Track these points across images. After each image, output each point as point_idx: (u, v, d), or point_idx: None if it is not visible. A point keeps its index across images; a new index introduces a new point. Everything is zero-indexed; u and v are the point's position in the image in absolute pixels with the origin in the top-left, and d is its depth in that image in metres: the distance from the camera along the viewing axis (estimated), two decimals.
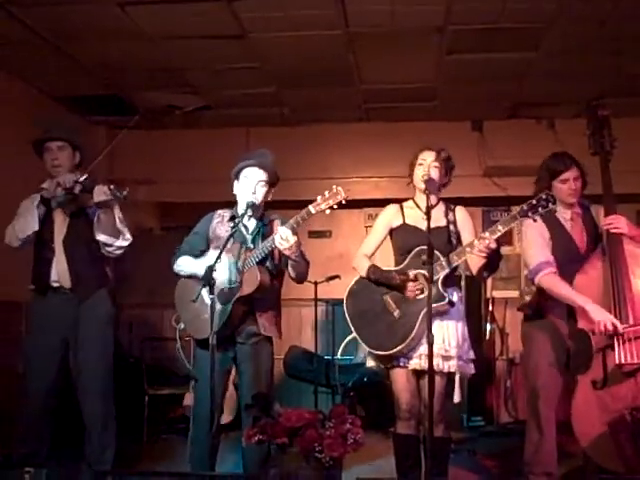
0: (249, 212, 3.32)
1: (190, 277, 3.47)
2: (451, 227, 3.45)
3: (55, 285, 3.64)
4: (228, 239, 3.25)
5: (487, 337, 6.37)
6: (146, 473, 3.74)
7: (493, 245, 3.13)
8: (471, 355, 3.42)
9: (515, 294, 6.41)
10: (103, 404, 3.66)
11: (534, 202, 3.05)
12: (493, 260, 3.27)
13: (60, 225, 3.67)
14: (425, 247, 3.10)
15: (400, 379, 3.39)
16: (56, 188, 3.59)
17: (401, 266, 3.40)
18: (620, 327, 3.09)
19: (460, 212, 3.52)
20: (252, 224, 3.49)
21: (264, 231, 3.45)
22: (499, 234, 3.12)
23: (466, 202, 3.62)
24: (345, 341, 5.91)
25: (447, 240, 3.41)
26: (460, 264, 3.33)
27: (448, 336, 3.33)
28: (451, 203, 3.55)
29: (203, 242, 3.55)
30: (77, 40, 4.65)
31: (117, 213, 3.67)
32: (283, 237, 3.17)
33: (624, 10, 4.18)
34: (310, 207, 3.15)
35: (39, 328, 3.65)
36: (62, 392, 3.70)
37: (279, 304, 3.54)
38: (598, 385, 3.13)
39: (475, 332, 4.87)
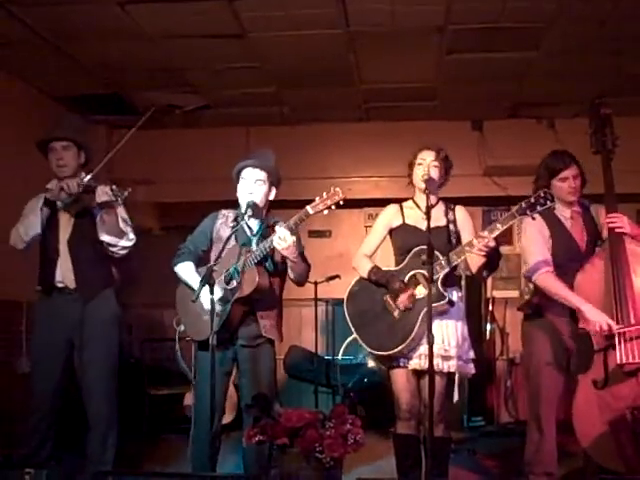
0: (249, 212, 3.31)
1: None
2: (451, 227, 3.46)
3: (60, 285, 3.64)
4: (228, 239, 3.25)
5: (487, 337, 6.37)
6: (147, 473, 3.74)
7: (492, 244, 3.13)
8: (471, 355, 3.42)
9: (515, 294, 6.41)
10: (107, 404, 3.66)
11: (532, 200, 3.06)
12: (493, 259, 3.27)
13: (65, 226, 3.67)
14: (425, 247, 3.11)
15: (400, 379, 3.39)
16: (59, 192, 3.59)
17: (401, 266, 3.40)
18: (615, 328, 3.10)
19: (460, 211, 3.52)
20: (255, 225, 3.49)
21: (265, 232, 3.44)
22: (498, 232, 3.12)
23: (466, 202, 3.62)
24: (346, 342, 5.91)
25: (447, 240, 3.41)
26: (460, 264, 3.33)
27: (448, 336, 3.33)
28: (451, 203, 3.55)
29: (206, 242, 3.55)
30: (77, 40, 4.65)
31: (121, 213, 3.67)
32: (281, 237, 3.17)
33: (624, 10, 4.18)
34: (308, 208, 3.15)
35: (44, 328, 3.65)
36: (67, 392, 3.71)
37: (280, 306, 3.53)
38: (599, 385, 3.13)
39: (475, 332, 4.87)
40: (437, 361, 3.19)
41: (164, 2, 4.14)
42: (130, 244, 3.70)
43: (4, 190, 4.74)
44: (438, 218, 3.42)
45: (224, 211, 3.60)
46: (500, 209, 6.43)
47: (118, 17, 4.27)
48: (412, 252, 3.35)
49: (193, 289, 3.37)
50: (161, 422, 5.64)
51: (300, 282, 3.52)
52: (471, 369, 3.42)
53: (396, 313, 3.34)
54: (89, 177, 3.59)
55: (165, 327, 5.86)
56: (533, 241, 3.52)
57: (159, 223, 7.05)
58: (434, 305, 3.08)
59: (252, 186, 3.42)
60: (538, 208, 3.05)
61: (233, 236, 3.35)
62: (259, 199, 3.43)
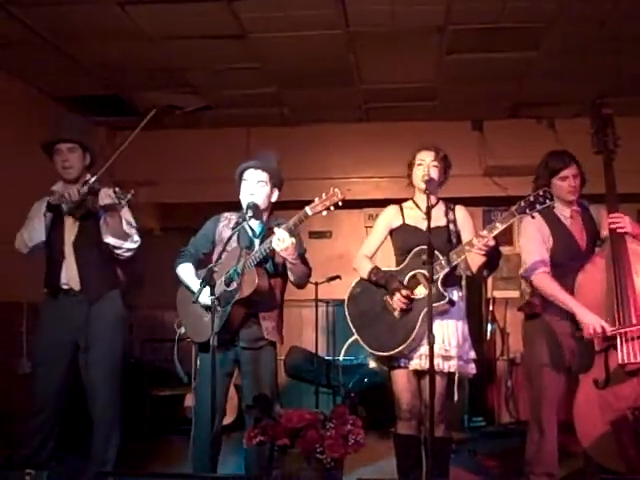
0: (249, 213, 3.31)
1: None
2: (451, 226, 3.45)
3: (65, 287, 3.64)
4: (229, 240, 3.24)
5: (488, 337, 6.37)
6: (147, 474, 3.73)
7: (492, 243, 3.12)
8: (472, 355, 3.42)
9: (516, 294, 6.38)
10: (111, 405, 3.66)
11: (531, 199, 3.06)
12: (493, 258, 3.27)
13: (70, 228, 3.67)
14: (425, 247, 3.11)
15: (401, 380, 3.39)
16: (61, 198, 3.59)
17: (401, 266, 3.40)
18: (609, 330, 3.10)
19: (460, 211, 3.52)
20: (257, 226, 3.48)
21: (268, 234, 3.44)
22: (498, 231, 3.12)
23: (466, 202, 3.62)
24: (347, 343, 5.91)
25: (447, 239, 3.41)
26: (460, 263, 3.33)
27: (448, 335, 3.33)
28: (451, 203, 3.55)
29: (209, 244, 3.55)
30: (77, 40, 4.65)
31: (125, 216, 3.66)
32: (280, 238, 3.16)
33: (624, 10, 4.18)
34: (307, 209, 3.15)
35: (49, 330, 3.65)
36: (70, 393, 3.71)
37: (281, 308, 3.53)
38: (600, 384, 3.13)
39: (476, 332, 4.86)
40: (438, 361, 3.18)
41: (164, 3, 4.14)
42: (135, 246, 3.69)
43: (4, 190, 4.74)
44: (438, 218, 3.42)
45: (226, 214, 3.59)
46: (500, 209, 6.41)
47: (118, 17, 4.27)
48: (412, 252, 3.35)
49: (192, 291, 3.37)
50: (162, 423, 5.64)
51: (300, 285, 3.51)
52: (472, 369, 3.41)
53: (396, 313, 3.34)
54: (93, 179, 3.58)
55: (166, 328, 5.86)
56: (531, 240, 3.52)
57: (160, 224, 7.04)
58: (434, 305, 3.08)
59: (254, 187, 3.42)
60: (537, 207, 3.05)
61: (234, 238, 3.35)
62: (261, 200, 3.42)
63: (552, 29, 4.48)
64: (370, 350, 3.41)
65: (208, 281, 3.05)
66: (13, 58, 4.90)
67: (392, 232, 3.55)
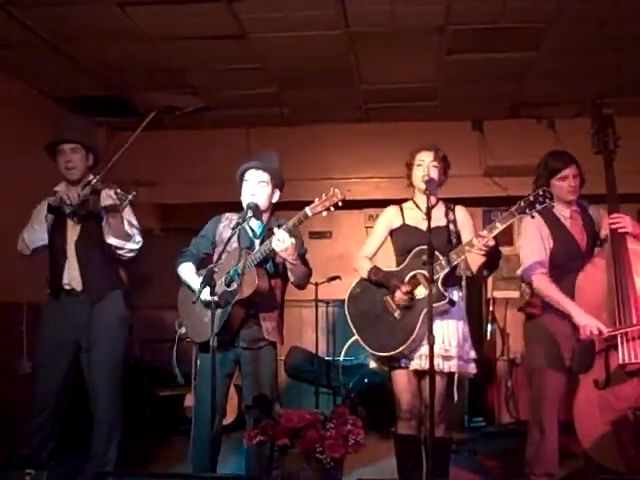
0: (249, 213, 3.31)
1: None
2: (451, 227, 3.45)
3: (67, 288, 3.64)
4: (229, 240, 3.24)
5: (488, 337, 6.37)
6: (147, 474, 3.74)
7: (491, 242, 3.12)
8: (472, 355, 3.42)
9: (516, 294, 6.33)
10: (113, 405, 3.66)
11: (531, 198, 3.06)
12: (493, 258, 3.27)
13: (72, 228, 3.67)
14: (425, 247, 3.11)
15: (401, 380, 3.39)
16: (61, 201, 3.59)
17: (401, 266, 3.40)
18: (605, 331, 3.10)
19: (460, 211, 3.52)
20: (257, 227, 3.48)
21: (268, 235, 3.43)
22: (497, 231, 3.12)
23: (467, 202, 3.62)
24: (348, 343, 5.90)
25: (447, 240, 3.41)
26: (460, 264, 3.34)
27: (448, 335, 3.33)
28: (451, 203, 3.55)
29: (209, 245, 3.55)
30: (77, 40, 4.65)
31: (127, 216, 3.66)
32: (279, 239, 3.16)
33: (624, 10, 4.18)
34: (307, 209, 3.15)
35: (52, 330, 3.65)
36: (72, 393, 3.71)
37: (282, 309, 3.53)
38: (600, 385, 3.13)
39: (476, 332, 4.86)
40: (438, 361, 3.18)
41: (164, 4, 4.14)
42: (137, 247, 3.69)
43: (4, 190, 4.74)
44: (438, 218, 3.42)
45: (228, 214, 3.59)
46: (500, 209, 6.41)
47: (118, 18, 4.27)
48: (412, 252, 3.35)
49: (192, 290, 3.37)
50: (162, 423, 5.63)
51: (300, 285, 3.51)
52: (472, 369, 3.41)
53: (397, 314, 3.34)
54: (95, 180, 3.58)
55: (166, 328, 5.85)
56: (530, 241, 3.52)
57: (160, 224, 7.05)
58: (435, 305, 3.08)
59: (255, 188, 3.42)
60: (537, 207, 3.05)
61: (235, 238, 3.35)
62: (262, 201, 3.42)
63: (552, 29, 4.48)
64: (371, 350, 3.41)
65: (208, 281, 3.05)
66: (13, 59, 4.90)
67: (392, 232, 3.55)
